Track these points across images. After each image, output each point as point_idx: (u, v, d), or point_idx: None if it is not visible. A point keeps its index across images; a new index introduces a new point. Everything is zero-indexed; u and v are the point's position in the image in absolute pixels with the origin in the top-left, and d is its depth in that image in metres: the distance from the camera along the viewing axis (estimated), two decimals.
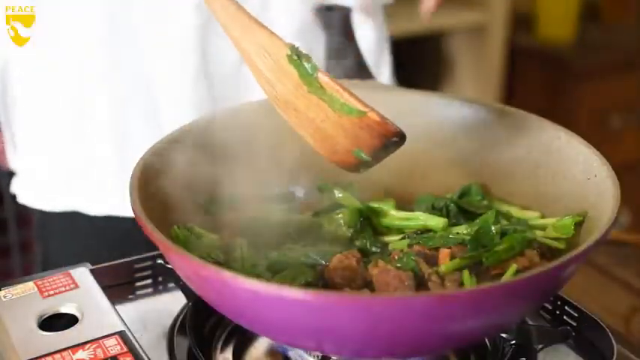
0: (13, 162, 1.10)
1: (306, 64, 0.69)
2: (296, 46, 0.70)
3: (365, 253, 0.74)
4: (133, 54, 0.99)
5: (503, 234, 0.72)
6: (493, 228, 0.73)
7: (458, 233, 0.74)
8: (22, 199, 1.08)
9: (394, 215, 0.80)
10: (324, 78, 0.69)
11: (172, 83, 1.01)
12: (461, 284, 0.68)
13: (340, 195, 0.83)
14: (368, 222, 0.79)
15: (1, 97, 1.05)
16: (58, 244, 1.11)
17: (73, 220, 1.05)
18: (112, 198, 1.03)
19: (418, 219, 0.79)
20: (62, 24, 0.97)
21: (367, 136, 0.69)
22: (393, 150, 0.71)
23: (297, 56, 0.69)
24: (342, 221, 0.78)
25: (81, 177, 1.04)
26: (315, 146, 0.72)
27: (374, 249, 0.76)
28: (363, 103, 0.68)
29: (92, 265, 0.78)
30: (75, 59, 0.99)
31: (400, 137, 0.70)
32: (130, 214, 0.66)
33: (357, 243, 0.76)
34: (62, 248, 1.10)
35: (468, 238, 0.72)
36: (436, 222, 0.77)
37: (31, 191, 1.07)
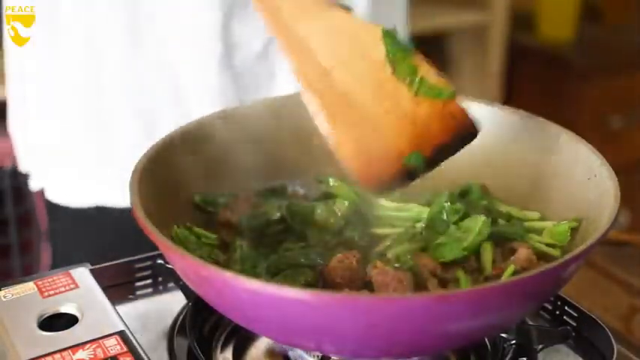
0: (25, 161, 1.10)
1: (400, 42, 0.65)
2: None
3: (352, 246, 0.74)
4: (155, 43, 1.00)
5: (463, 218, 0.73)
6: (445, 213, 0.73)
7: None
8: (50, 196, 1.09)
9: (387, 206, 0.80)
10: (418, 56, 0.65)
11: (196, 72, 1.01)
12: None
13: (334, 184, 0.83)
14: (360, 212, 0.79)
15: (20, 91, 1.05)
16: (78, 242, 1.11)
17: (99, 215, 1.06)
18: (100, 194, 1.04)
19: (412, 210, 0.79)
20: (82, 12, 0.98)
21: (439, 130, 0.65)
22: (459, 149, 0.68)
23: (391, 34, 0.65)
24: (333, 210, 0.78)
25: (107, 169, 1.05)
26: (349, 156, 0.67)
27: (362, 243, 0.75)
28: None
29: (96, 264, 0.78)
30: (96, 47, 1.00)
31: (473, 133, 0.67)
32: None
33: (347, 234, 0.76)
34: (85, 245, 1.10)
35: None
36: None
37: (59, 187, 1.08)
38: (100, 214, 1.06)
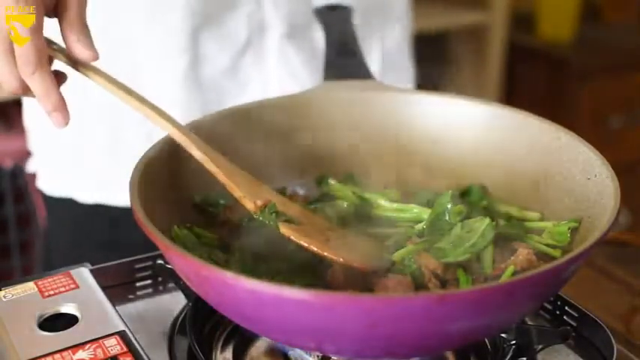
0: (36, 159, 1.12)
1: None
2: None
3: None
4: (128, 51, 1.00)
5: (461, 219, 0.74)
6: (447, 214, 0.73)
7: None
8: (49, 191, 1.10)
9: (388, 206, 0.80)
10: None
11: (163, 84, 1.01)
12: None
13: (333, 185, 0.83)
14: (359, 214, 0.79)
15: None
16: (79, 239, 1.11)
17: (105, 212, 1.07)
18: (101, 191, 1.04)
19: (412, 211, 0.79)
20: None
21: None
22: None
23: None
24: (331, 212, 0.78)
25: (81, 169, 1.06)
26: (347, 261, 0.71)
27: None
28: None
29: (95, 264, 0.78)
30: None
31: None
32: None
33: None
34: (86, 241, 1.11)
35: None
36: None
37: (64, 182, 1.09)
38: (105, 211, 1.06)
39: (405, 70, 1.20)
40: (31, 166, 1.15)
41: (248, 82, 1.04)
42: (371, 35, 1.12)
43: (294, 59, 1.05)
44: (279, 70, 1.05)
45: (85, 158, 1.07)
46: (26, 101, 1.12)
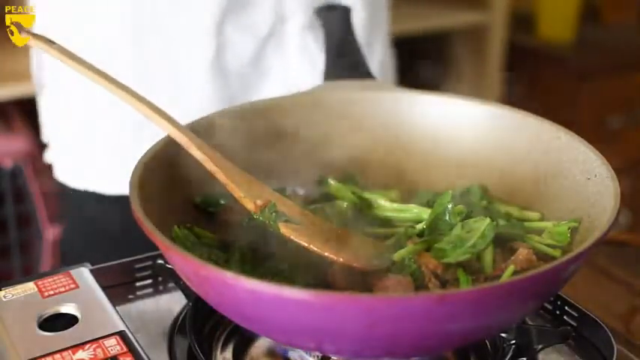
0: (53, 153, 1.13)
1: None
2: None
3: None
4: (158, 42, 1.01)
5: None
6: (448, 215, 0.73)
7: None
8: (71, 183, 1.11)
9: (388, 206, 0.80)
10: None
11: (191, 74, 1.02)
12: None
13: (333, 185, 0.83)
14: (358, 214, 0.79)
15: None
16: (99, 231, 1.12)
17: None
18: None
19: (412, 211, 0.79)
20: (88, 12, 1.00)
21: None
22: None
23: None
24: (331, 212, 0.78)
25: (105, 161, 1.06)
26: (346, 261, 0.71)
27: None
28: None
29: (95, 264, 0.78)
30: (101, 45, 1.01)
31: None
32: None
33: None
34: (105, 235, 1.11)
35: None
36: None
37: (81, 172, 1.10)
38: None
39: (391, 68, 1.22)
40: (47, 158, 1.15)
41: (269, 71, 1.06)
42: (375, 38, 1.14)
43: (314, 49, 1.07)
44: (298, 59, 1.07)
45: (107, 148, 1.06)
46: (43, 93, 1.12)
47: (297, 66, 1.07)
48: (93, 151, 1.08)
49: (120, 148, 1.06)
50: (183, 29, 1.01)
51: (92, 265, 0.78)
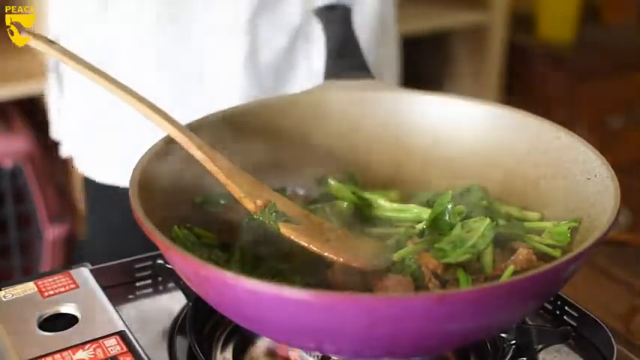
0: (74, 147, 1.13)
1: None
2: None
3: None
4: (187, 39, 1.01)
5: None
6: (448, 215, 0.73)
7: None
8: (98, 178, 1.11)
9: (388, 206, 0.80)
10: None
11: (225, 73, 1.02)
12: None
13: (333, 185, 0.83)
14: (358, 214, 0.79)
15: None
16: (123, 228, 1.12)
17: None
18: None
19: (412, 211, 0.79)
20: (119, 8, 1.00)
21: None
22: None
23: None
24: (330, 212, 0.78)
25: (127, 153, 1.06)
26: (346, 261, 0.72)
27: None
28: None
29: (94, 264, 0.78)
30: (130, 41, 1.02)
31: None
32: None
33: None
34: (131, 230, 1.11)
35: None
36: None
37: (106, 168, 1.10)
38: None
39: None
40: (64, 152, 1.15)
41: (297, 67, 1.06)
42: (386, 30, 1.14)
43: None
44: (321, 49, 1.06)
45: (129, 142, 1.06)
46: (63, 82, 1.12)
47: (321, 63, 1.07)
48: (118, 143, 1.08)
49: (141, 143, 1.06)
50: (216, 28, 1.01)
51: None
